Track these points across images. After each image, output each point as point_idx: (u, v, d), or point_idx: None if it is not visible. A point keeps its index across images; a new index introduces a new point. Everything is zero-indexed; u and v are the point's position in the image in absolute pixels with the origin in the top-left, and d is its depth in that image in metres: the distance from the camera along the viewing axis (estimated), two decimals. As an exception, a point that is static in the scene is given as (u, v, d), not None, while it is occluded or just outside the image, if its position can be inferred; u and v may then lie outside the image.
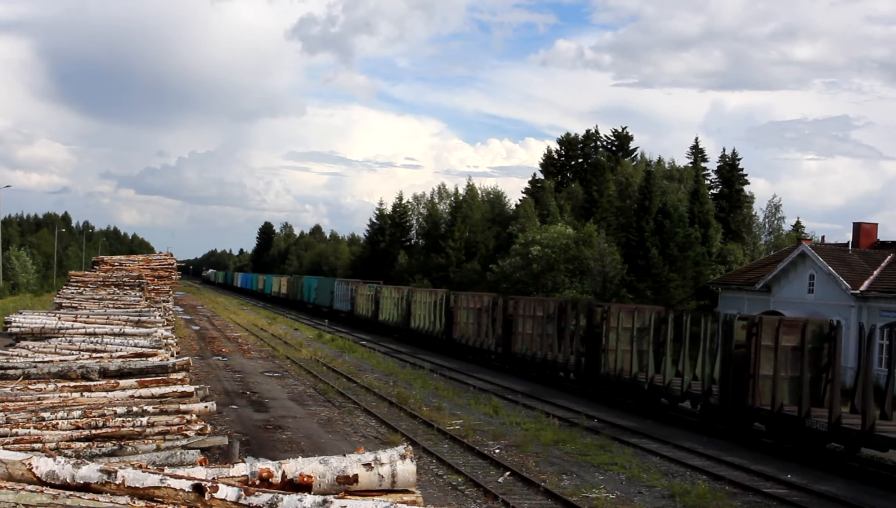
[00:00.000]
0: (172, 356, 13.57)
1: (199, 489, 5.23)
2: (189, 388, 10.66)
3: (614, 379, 28.20)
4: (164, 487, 5.28)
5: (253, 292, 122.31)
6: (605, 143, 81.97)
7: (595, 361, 29.57)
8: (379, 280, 68.04)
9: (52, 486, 5.36)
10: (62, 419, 9.13)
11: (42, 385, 10.44)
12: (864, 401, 19.31)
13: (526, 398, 28.54)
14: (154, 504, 5.26)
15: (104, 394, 10.30)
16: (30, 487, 5.30)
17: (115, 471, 5.40)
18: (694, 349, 24.94)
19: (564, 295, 49.43)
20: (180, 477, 5.37)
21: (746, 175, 68.83)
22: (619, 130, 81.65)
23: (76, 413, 9.29)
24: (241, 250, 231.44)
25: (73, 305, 19.57)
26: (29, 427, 8.90)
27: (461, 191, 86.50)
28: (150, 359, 11.89)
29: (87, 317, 16.36)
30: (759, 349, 21.94)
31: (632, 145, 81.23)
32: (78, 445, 8.77)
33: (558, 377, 33.06)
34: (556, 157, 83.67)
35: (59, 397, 10.04)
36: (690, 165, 72.20)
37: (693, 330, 25.57)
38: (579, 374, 31.20)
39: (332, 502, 5.09)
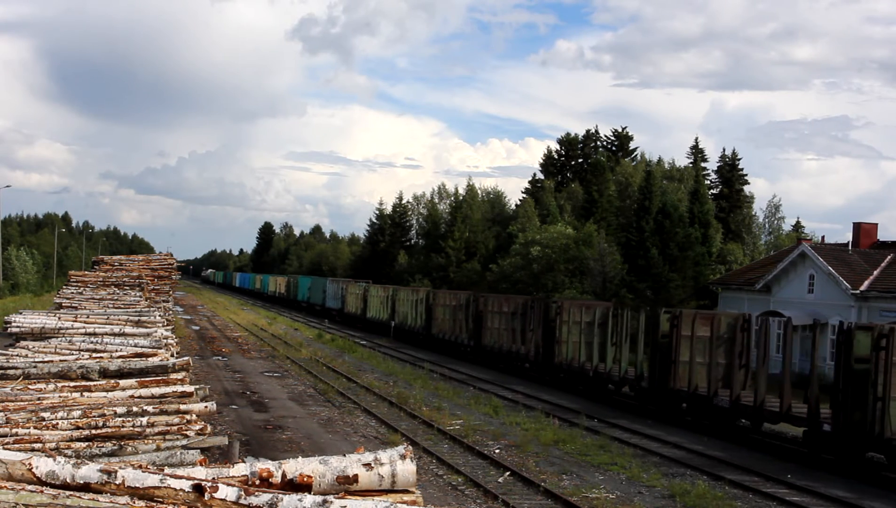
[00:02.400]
0: (172, 356, 13.56)
1: (199, 489, 5.23)
2: (189, 388, 10.66)
3: (566, 368, 31.43)
4: (164, 487, 5.28)
5: (251, 292, 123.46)
6: (605, 143, 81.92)
7: (550, 351, 32.63)
8: (368, 279, 69.14)
9: (52, 486, 5.36)
10: (62, 419, 9.13)
11: (42, 385, 10.44)
12: (756, 383, 22.32)
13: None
14: (154, 504, 5.26)
15: (104, 394, 10.30)
16: (30, 487, 5.30)
17: (115, 471, 5.39)
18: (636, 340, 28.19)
19: (564, 295, 49.40)
20: (180, 477, 5.37)
21: (746, 175, 68.91)
22: (619, 130, 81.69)
23: (76, 413, 9.28)
24: (242, 250, 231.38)
25: (73, 305, 19.59)
26: (29, 427, 8.90)
27: (461, 191, 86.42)
28: (150, 359, 11.88)
29: (87, 317, 16.38)
30: (679, 338, 24.81)
31: (632, 145, 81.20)
32: (78, 445, 8.76)
33: (523, 368, 35.77)
34: (556, 157, 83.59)
35: (59, 397, 10.04)
36: (690, 165, 72.12)
37: (633, 324, 28.68)
38: (537, 363, 34.16)
39: (332, 502, 5.09)
